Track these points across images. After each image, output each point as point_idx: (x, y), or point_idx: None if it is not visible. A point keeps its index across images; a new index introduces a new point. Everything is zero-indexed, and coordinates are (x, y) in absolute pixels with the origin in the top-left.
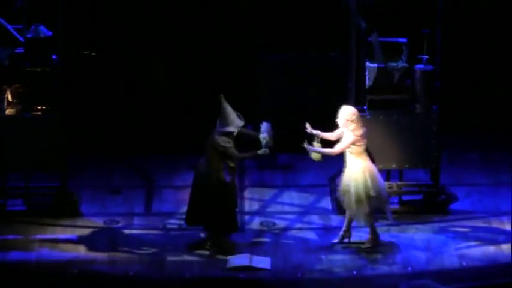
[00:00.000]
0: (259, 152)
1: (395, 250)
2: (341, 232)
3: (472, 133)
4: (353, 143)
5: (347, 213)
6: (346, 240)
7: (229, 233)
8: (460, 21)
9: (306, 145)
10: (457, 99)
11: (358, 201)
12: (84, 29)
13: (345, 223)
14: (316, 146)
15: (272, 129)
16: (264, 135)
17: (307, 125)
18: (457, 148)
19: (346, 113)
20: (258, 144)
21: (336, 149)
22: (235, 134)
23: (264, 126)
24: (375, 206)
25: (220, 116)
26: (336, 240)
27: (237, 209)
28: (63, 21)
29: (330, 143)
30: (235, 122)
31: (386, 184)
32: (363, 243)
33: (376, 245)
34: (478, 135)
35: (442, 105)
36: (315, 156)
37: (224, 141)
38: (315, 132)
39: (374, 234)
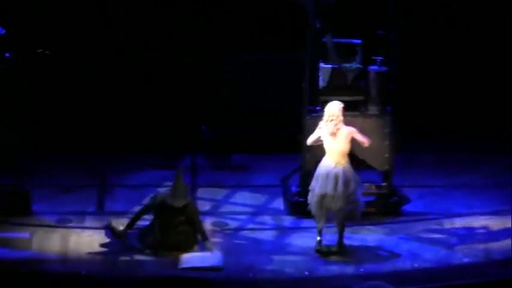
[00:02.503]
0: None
1: (348, 251)
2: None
3: (425, 135)
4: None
5: None
6: None
7: None
8: (414, 22)
9: None
10: (412, 101)
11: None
12: (38, 27)
13: None
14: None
15: None
16: None
17: None
18: (410, 150)
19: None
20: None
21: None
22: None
23: None
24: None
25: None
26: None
27: None
28: (17, 19)
29: None
30: (178, 201)
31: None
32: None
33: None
34: (431, 137)
35: (396, 107)
36: None
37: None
38: None
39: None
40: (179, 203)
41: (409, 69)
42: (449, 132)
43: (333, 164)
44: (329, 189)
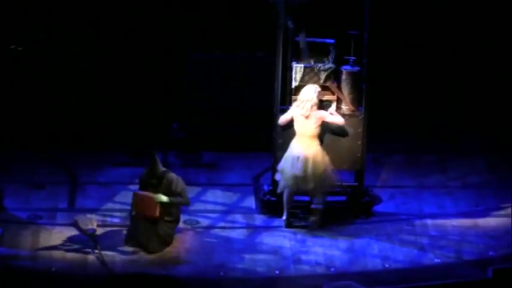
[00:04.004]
0: None
1: (317, 250)
2: None
3: (397, 135)
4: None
5: None
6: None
7: None
8: (387, 23)
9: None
10: (384, 101)
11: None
12: (10, 23)
13: None
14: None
15: None
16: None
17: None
18: (382, 150)
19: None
20: None
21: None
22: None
23: None
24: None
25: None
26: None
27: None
28: None
29: None
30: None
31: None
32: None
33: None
34: (403, 137)
35: (368, 107)
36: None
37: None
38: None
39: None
40: (151, 179)
41: (379, 68)
42: (417, 132)
43: (302, 148)
44: (299, 171)
